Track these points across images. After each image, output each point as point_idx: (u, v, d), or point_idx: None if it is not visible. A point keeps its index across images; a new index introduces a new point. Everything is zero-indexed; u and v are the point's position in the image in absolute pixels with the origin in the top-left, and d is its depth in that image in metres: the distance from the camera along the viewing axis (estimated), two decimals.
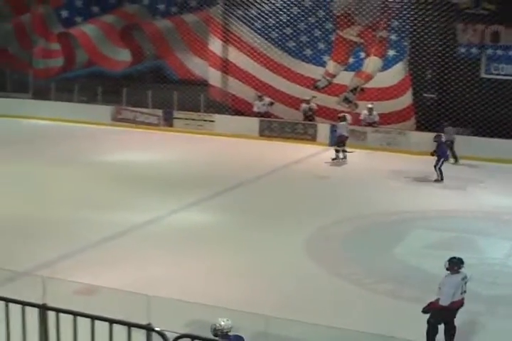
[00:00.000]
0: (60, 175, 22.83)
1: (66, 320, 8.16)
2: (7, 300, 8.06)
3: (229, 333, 8.73)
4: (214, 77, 32.42)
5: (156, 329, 7.84)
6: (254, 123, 30.28)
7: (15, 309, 8.15)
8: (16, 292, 8.38)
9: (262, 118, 30.37)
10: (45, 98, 34.36)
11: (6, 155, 25.56)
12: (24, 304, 8.08)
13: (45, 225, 17.28)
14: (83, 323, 8.05)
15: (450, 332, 11.28)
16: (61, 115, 32.75)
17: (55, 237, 16.31)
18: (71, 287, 10.24)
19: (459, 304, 11.23)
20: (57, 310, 8.15)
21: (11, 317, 8.13)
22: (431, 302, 11.22)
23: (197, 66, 32.81)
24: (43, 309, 8.16)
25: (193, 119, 31.41)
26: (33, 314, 8.21)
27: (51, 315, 8.22)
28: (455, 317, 11.23)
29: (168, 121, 31.82)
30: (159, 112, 31.99)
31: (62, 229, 16.98)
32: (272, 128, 30.16)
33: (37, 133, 30.80)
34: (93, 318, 7.93)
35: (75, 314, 8.06)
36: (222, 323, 8.70)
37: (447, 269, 11.34)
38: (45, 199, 20.01)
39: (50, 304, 8.21)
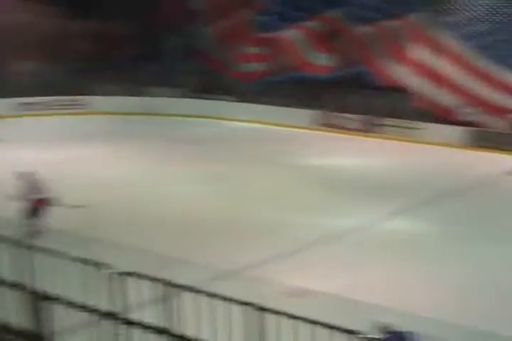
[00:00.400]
0: (264, 177, 23.17)
1: (273, 320, 8.08)
2: (218, 298, 8.06)
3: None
4: (417, 84, 31.85)
5: (369, 336, 7.62)
6: (459, 132, 29.49)
7: (223, 307, 8.15)
8: (225, 291, 8.39)
9: (468, 127, 29.52)
10: (248, 101, 34.98)
11: (209, 155, 26.31)
12: (234, 301, 8.05)
13: (252, 226, 17.49)
14: (289, 325, 7.94)
15: None
16: (263, 118, 33.31)
17: (263, 238, 16.44)
18: (279, 288, 10.19)
19: None
20: (265, 310, 8.06)
21: (218, 314, 8.14)
22: None
23: (399, 73, 32.36)
24: (252, 308, 8.09)
25: (397, 126, 31.01)
26: (240, 313, 8.18)
27: (259, 315, 8.16)
28: None
29: (370, 128, 31.56)
30: (362, 118, 31.80)
31: (270, 231, 17.08)
32: (478, 138, 29.25)
33: (239, 135, 31.45)
34: (310, 322, 7.80)
35: (284, 315, 7.95)
36: (386, 322, 8.87)
37: None
38: (250, 200, 20.32)
39: (259, 304, 8.16)
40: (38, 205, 16.35)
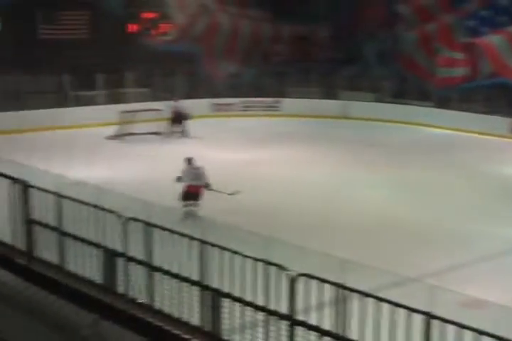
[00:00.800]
0: (456, 185, 22.75)
1: (450, 330, 7.84)
2: (394, 304, 7.92)
3: None
4: None
5: None
6: None
7: (401, 313, 8.00)
8: (402, 297, 8.25)
9: None
10: (446, 107, 34.27)
11: (402, 161, 26.16)
12: (410, 310, 7.88)
13: (439, 233, 17.31)
14: (467, 336, 7.68)
15: None
16: (461, 125, 32.55)
17: (448, 246, 16.26)
18: (458, 298, 9.90)
19: None
20: (443, 320, 7.83)
21: (397, 320, 8.01)
22: None
23: None
24: (428, 317, 7.90)
25: None
26: (417, 320, 7.99)
27: (435, 324, 7.94)
28: None
29: None
30: None
31: (456, 239, 16.86)
32: None
33: (435, 141, 30.93)
34: (479, 333, 7.52)
35: (460, 326, 7.70)
36: None
37: None
38: (439, 207, 20.03)
39: (435, 313, 7.95)
40: (193, 191, 18.12)
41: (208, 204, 17.67)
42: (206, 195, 18.03)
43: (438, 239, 16.87)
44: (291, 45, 38.91)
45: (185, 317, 9.55)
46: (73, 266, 10.91)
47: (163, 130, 29.70)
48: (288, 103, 36.38)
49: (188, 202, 18.11)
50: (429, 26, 36.28)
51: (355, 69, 37.49)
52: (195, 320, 9.50)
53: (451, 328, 7.78)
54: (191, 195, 18.16)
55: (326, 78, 36.84)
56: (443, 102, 34.69)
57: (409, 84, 36.25)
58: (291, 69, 36.32)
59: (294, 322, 8.57)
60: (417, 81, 36.18)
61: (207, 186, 18.30)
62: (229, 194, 18.31)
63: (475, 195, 21.53)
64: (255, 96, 36.43)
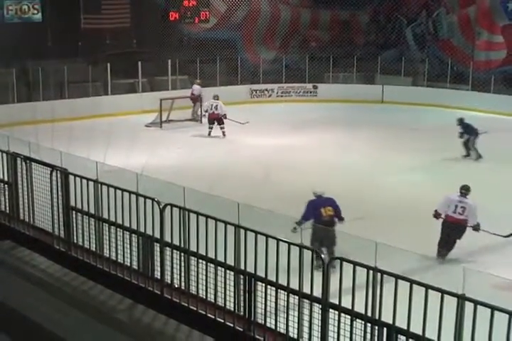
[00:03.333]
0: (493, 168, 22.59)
1: (483, 312, 7.86)
2: (427, 287, 7.95)
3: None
4: None
5: None
6: None
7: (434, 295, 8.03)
8: (434, 280, 8.27)
9: None
10: (483, 90, 33.94)
11: (442, 145, 26.08)
12: (443, 292, 7.90)
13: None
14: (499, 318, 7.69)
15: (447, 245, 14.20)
16: (499, 108, 32.21)
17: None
18: (491, 280, 9.89)
19: (452, 220, 14.37)
20: (475, 302, 7.84)
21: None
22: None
23: None
24: (462, 299, 7.93)
25: None
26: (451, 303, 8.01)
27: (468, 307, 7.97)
28: (457, 237, 14.07)
29: None
30: None
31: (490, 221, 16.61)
32: None
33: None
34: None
35: (493, 308, 7.71)
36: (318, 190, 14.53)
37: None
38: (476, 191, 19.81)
39: (468, 295, 7.97)
40: (213, 117, 27.36)
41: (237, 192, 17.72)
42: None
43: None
44: (330, 30, 38.82)
45: (219, 301, 9.65)
46: (111, 252, 11.05)
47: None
48: (325, 88, 36.28)
49: (210, 126, 27.22)
50: (468, 9, 36.05)
51: (394, 54, 37.32)
52: (229, 304, 9.60)
53: (484, 310, 7.78)
54: (212, 120, 27.18)
55: (364, 63, 36.68)
56: (480, 85, 34.36)
57: (446, 67, 35.91)
58: (330, 54, 36.21)
59: (326, 305, 8.62)
60: (455, 64, 35.91)
61: (224, 116, 26.97)
62: (242, 123, 27.59)
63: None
64: (293, 82, 36.39)
